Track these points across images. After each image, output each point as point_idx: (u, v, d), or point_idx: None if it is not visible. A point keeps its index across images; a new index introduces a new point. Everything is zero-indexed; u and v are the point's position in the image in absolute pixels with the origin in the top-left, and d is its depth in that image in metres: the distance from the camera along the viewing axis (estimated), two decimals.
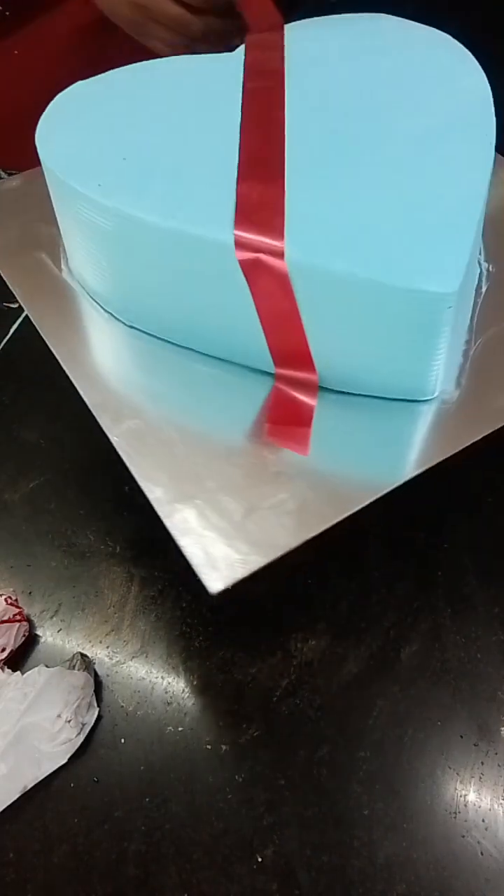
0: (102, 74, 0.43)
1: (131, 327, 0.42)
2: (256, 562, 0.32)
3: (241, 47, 0.44)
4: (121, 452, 0.37)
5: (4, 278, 0.45)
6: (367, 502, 0.34)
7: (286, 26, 0.45)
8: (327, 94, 0.40)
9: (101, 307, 0.43)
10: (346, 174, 0.36)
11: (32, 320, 0.43)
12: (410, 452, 0.36)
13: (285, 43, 0.44)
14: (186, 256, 0.36)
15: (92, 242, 0.40)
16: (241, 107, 0.39)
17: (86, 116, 0.41)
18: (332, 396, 0.39)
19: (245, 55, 0.43)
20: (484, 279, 0.43)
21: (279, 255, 0.33)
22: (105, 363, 0.41)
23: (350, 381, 0.38)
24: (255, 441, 0.37)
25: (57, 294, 0.44)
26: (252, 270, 0.34)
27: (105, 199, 0.36)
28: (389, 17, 0.45)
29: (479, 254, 0.44)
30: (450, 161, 0.36)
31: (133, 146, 0.39)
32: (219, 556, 0.33)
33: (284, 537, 0.33)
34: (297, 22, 0.46)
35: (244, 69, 0.42)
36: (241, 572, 0.32)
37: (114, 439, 0.38)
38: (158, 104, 0.41)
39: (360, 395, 0.38)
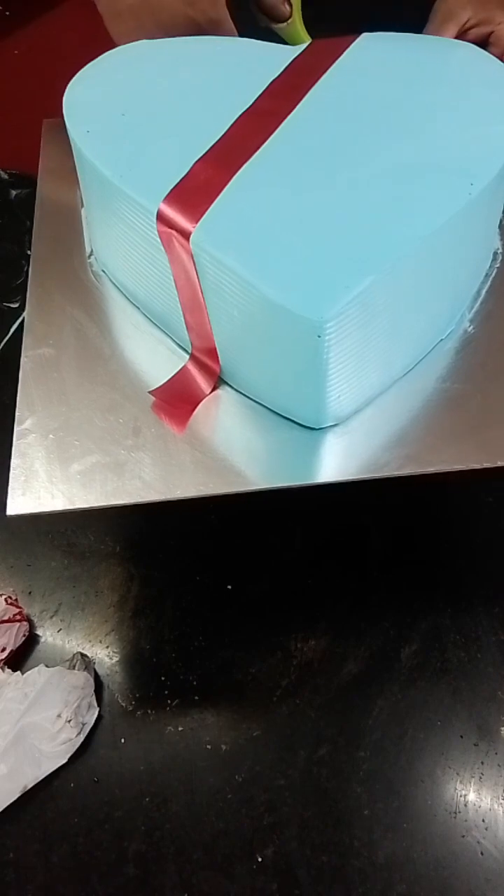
0: (161, 39, 0.44)
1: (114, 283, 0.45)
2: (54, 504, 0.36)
3: (305, 44, 0.43)
4: (21, 373, 0.40)
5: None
6: (185, 496, 0.35)
7: (363, 35, 0.43)
8: (347, 107, 0.39)
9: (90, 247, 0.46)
10: (307, 184, 0.35)
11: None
12: (280, 469, 0.37)
13: (347, 50, 0.42)
14: (127, 217, 0.37)
15: (83, 191, 0.43)
16: (258, 97, 0.39)
17: (119, 74, 0.42)
18: (239, 396, 0.39)
19: (300, 52, 0.42)
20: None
21: (187, 235, 0.33)
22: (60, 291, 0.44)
23: (248, 386, 0.39)
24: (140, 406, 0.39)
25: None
26: (168, 246, 0.35)
27: (82, 143, 0.38)
28: (473, 48, 0.42)
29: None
30: (418, 200, 0.34)
31: (138, 108, 0.39)
32: (36, 487, 0.37)
33: (94, 496, 0.36)
34: (376, 34, 0.44)
35: (289, 65, 0.41)
36: (42, 507, 0.36)
37: (23, 359, 0.40)
38: (187, 75, 0.41)
39: (259, 403, 0.39)
